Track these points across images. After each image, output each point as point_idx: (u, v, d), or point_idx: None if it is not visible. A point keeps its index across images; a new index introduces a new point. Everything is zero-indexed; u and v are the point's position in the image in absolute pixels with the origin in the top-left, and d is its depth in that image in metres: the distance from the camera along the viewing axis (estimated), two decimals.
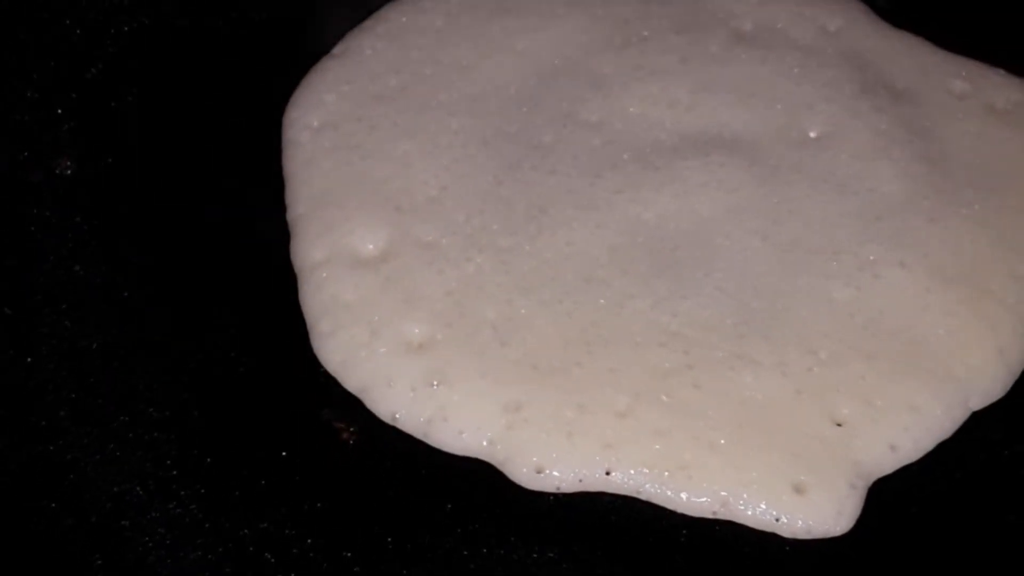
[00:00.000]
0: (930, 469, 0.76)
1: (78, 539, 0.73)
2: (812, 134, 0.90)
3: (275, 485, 0.75)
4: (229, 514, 0.74)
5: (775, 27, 0.97)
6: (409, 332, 0.80)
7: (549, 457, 0.75)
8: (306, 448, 0.77)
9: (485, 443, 0.76)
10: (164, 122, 0.92)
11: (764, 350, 0.79)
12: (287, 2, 1.01)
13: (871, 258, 0.83)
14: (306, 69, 0.95)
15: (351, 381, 0.79)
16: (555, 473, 0.75)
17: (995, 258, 0.84)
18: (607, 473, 0.75)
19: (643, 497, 0.75)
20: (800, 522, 0.73)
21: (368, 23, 0.98)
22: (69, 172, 0.89)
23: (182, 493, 0.75)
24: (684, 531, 0.74)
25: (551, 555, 0.73)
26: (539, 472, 0.75)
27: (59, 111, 0.92)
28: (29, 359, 0.80)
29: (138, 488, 0.75)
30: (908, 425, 0.76)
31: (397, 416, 0.78)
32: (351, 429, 0.78)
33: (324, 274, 0.83)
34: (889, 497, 0.75)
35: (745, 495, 0.74)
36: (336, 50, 0.96)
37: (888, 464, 0.76)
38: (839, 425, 0.76)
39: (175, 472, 0.76)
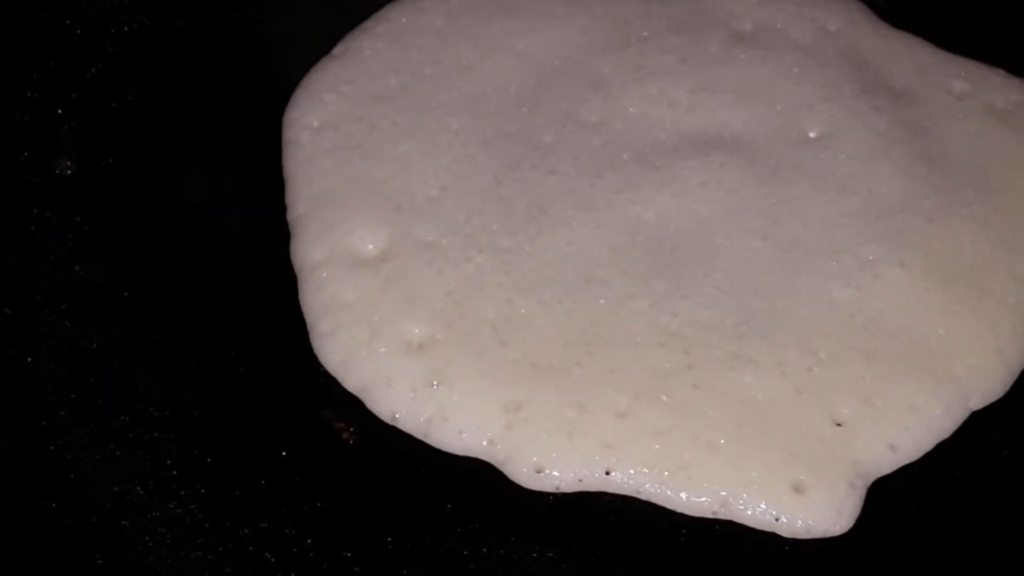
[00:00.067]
0: (930, 469, 0.76)
1: (78, 539, 0.73)
2: (812, 134, 0.90)
3: (275, 485, 0.75)
4: (229, 514, 0.74)
5: (775, 27, 0.97)
6: (409, 332, 0.80)
7: (549, 457, 0.75)
8: (306, 448, 0.77)
9: (485, 443, 0.76)
10: (164, 122, 0.92)
11: (764, 350, 0.79)
12: (287, 2, 1.01)
13: (871, 258, 0.83)
14: (306, 69, 0.95)
15: (351, 381, 0.79)
16: (555, 473, 0.75)
17: (995, 258, 0.84)
18: (607, 473, 0.75)
19: (643, 497, 0.75)
20: (800, 522, 0.73)
21: (368, 23, 0.98)
22: (69, 172, 0.89)
23: (182, 493, 0.75)
24: (684, 531, 0.74)
25: (551, 555, 0.73)
26: (539, 472, 0.75)
27: (59, 111, 0.92)
28: (29, 359, 0.80)
29: (138, 488, 0.75)
30: (908, 425, 0.77)
31: (397, 416, 0.78)
32: (351, 429, 0.78)
33: (324, 274, 0.83)
34: (889, 497, 0.75)
35: (745, 495, 0.74)
36: (336, 50, 0.96)
37: (888, 464, 0.76)
38: (839, 425, 0.76)
39: (175, 472, 0.76)
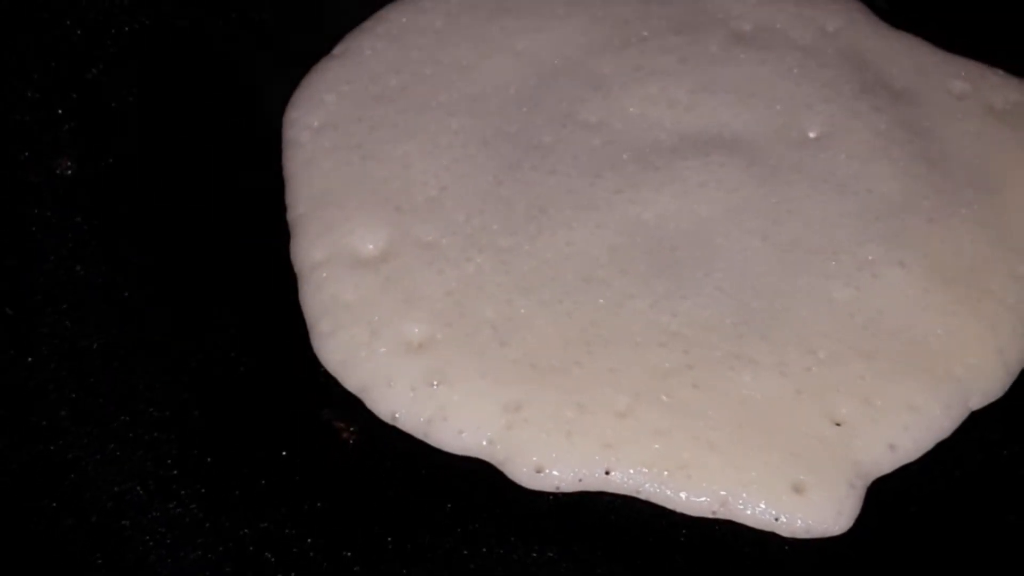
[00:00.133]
0: (929, 469, 0.76)
1: (78, 539, 0.73)
2: (811, 134, 0.90)
3: (275, 485, 0.75)
4: (229, 514, 0.74)
5: (774, 27, 0.97)
6: (409, 332, 0.80)
7: (549, 457, 0.75)
8: (306, 448, 0.77)
9: (485, 443, 0.76)
10: (164, 122, 0.92)
11: (764, 350, 0.79)
12: (287, 2, 1.01)
13: (870, 258, 0.83)
14: (306, 69, 0.95)
15: (351, 381, 0.79)
16: (555, 473, 0.75)
17: (994, 258, 0.84)
18: (607, 473, 0.75)
19: (643, 497, 0.75)
20: (799, 521, 0.74)
21: (368, 23, 0.98)
22: (69, 172, 0.89)
23: (182, 493, 0.75)
24: (684, 531, 0.74)
25: (551, 555, 0.73)
26: (539, 472, 0.75)
27: (59, 111, 0.92)
28: (29, 359, 0.80)
29: (138, 488, 0.75)
30: (907, 425, 0.77)
31: (397, 416, 0.78)
32: (351, 429, 0.78)
33: (324, 274, 0.83)
34: (888, 497, 0.75)
35: (744, 494, 0.74)
36: (336, 50, 0.96)
37: (887, 464, 0.76)
38: (838, 425, 0.76)
39: (175, 472, 0.76)
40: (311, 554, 0.73)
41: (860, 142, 0.89)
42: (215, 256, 0.86)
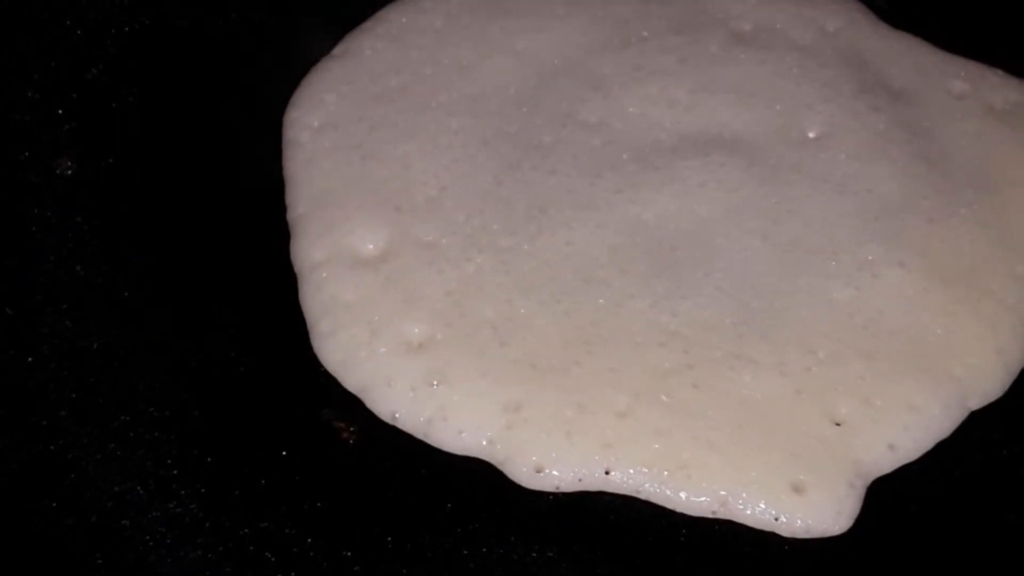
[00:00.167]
0: (929, 468, 0.76)
1: (78, 538, 0.73)
2: (811, 134, 0.90)
3: (275, 485, 0.75)
4: (229, 513, 0.74)
5: (774, 27, 0.97)
6: (409, 332, 0.80)
7: (549, 457, 0.75)
8: (306, 448, 0.77)
9: (485, 443, 0.76)
10: (164, 122, 0.92)
11: (763, 350, 0.79)
12: (287, 2, 1.01)
13: (870, 258, 0.83)
14: (306, 69, 0.95)
15: (351, 381, 0.79)
16: (555, 473, 0.75)
17: (994, 258, 0.84)
18: (606, 473, 0.75)
19: (642, 497, 0.75)
20: (799, 521, 0.74)
21: (368, 23, 0.98)
22: (69, 172, 0.90)
23: (182, 492, 0.75)
24: (683, 530, 0.74)
25: (551, 554, 0.73)
26: (539, 472, 0.75)
27: (59, 111, 0.92)
28: (30, 359, 0.80)
29: (139, 487, 0.75)
30: (907, 424, 0.77)
31: (397, 416, 0.78)
32: (351, 429, 0.78)
33: (324, 274, 0.83)
34: (888, 496, 0.75)
35: (744, 494, 0.74)
36: (336, 50, 0.96)
37: (887, 463, 0.76)
38: (838, 425, 0.76)
39: (175, 471, 0.76)
40: (311, 554, 0.73)
41: (860, 142, 0.89)
42: (215, 256, 0.86)
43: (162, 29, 0.97)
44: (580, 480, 0.75)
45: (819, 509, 0.74)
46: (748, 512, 0.74)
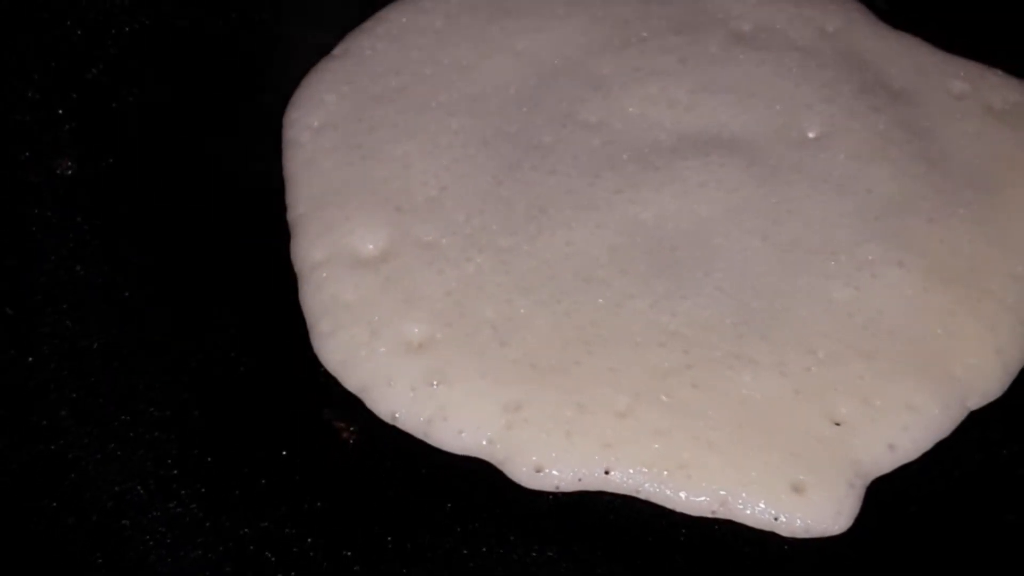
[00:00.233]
0: (928, 468, 0.76)
1: (79, 538, 0.73)
2: (811, 134, 0.90)
3: (275, 485, 0.75)
4: (229, 513, 0.74)
5: (774, 28, 0.97)
6: (409, 332, 0.80)
7: (548, 456, 0.75)
8: (306, 448, 0.77)
9: (485, 442, 0.76)
10: (164, 122, 0.92)
11: (763, 350, 0.79)
12: (287, 2, 1.01)
13: (870, 258, 0.83)
14: (306, 69, 0.95)
15: (351, 381, 0.79)
16: (554, 472, 0.75)
17: (993, 258, 0.84)
18: (606, 472, 0.75)
19: (642, 496, 0.75)
20: (799, 521, 0.74)
21: (368, 24, 0.98)
22: (69, 172, 0.90)
23: (183, 492, 0.75)
24: (683, 530, 0.74)
25: (551, 554, 0.73)
26: (538, 471, 0.75)
27: (59, 111, 0.92)
28: (30, 359, 0.80)
29: (139, 487, 0.75)
30: (907, 424, 0.77)
31: (397, 416, 0.78)
32: (351, 429, 0.78)
33: (324, 274, 0.83)
34: (887, 496, 0.75)
35: (744, 494, 0.74)
36: (336, 51, 0.96)
37: (887, 463, 0.76)
38: (838, 424, 0.76)
39: (176, 471, 0.76)
40: (311, 554, 0.73)
41: (859, 142, 0.89)
42: (215, 256, 0.86)
43: (162, 29, 0.97)
44: (580, 480, 0.75)
45: (819, 509, 0.74)
46: (748, 512, 0.74)
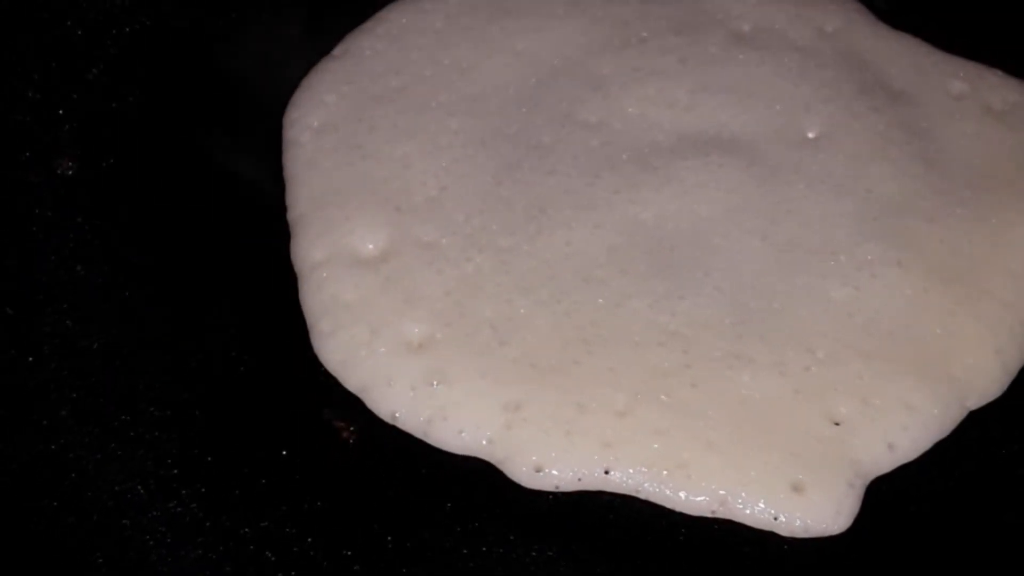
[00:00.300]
0: (928, 468, 0.76)
1: (79, 538, 0.73)
2: (810, 134, 0.90)
3: (275, 485, 0.76)
4: (230, 513, 0.74)
5: (773, 28, 0.97)
6: (409, 332, 0.80)
7: (548, 456, 0.75)
8: (306, 448, 0.77)
9: (485, 442, 0.76)
10: (165, 123, 0.92)
11: (762, 350, 0.79)
12: (287, 2, 1.01)
13: (869, 258, 0.83)
14: (306, 69, 0.95)
15: (351, 381, 0.79)
16: (554, 472, 0.75)
17: (993, 258, 0.84)
18: (606, 472, 0.75)
19: (642, 496, 0.75)
20: (798, 521, 0.74)
21: (368, 24, 0.98)
22: (70, 172, 0.90)
23: (183, 492, 0.75)
24: (683, 530, 0.74)
25: (550, 554, 0.73)
26: (538, 471, 0.75)
27: (60, 111, 0.92)
28: (30, 359, 0.80)
29: (139, 487, 0.75)
30: (906, 424, 0.77)
31: (397, 415, 0.78)
32: (351, 429, 0.78)
33: (324, 274, 0.83)
34: (887, 496, 0.75)
35: (743, 494, 0.74)
36: (336, 51, 0.96)
37: (886, 463, 0.76)
38: (837, 424, 0.77)
39: (176, 471, 0.76)
40: (311, 554, 0.73)
41: (859, 142, 0.89)
42: (215, 256, 0.86)
43: (162, 29, 0.97)
44: (580, 480, 0.75)
45: (818, 508, 0.74)
46: (747, 511, 0.74)
